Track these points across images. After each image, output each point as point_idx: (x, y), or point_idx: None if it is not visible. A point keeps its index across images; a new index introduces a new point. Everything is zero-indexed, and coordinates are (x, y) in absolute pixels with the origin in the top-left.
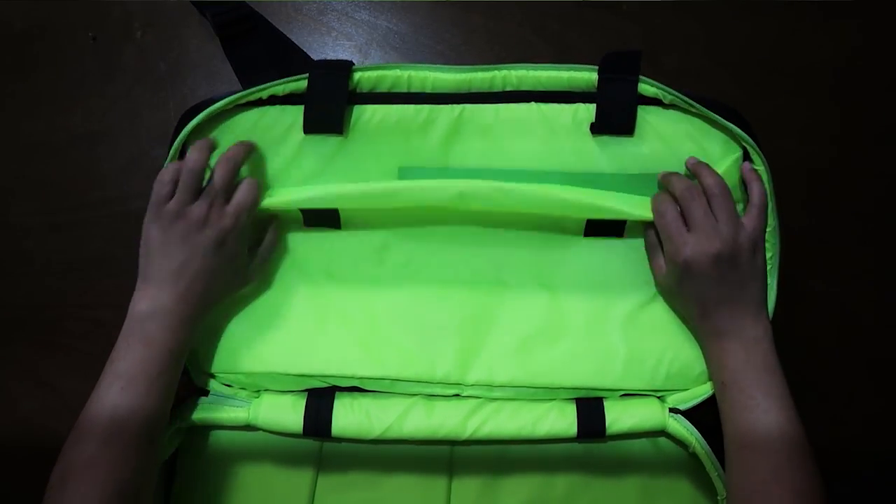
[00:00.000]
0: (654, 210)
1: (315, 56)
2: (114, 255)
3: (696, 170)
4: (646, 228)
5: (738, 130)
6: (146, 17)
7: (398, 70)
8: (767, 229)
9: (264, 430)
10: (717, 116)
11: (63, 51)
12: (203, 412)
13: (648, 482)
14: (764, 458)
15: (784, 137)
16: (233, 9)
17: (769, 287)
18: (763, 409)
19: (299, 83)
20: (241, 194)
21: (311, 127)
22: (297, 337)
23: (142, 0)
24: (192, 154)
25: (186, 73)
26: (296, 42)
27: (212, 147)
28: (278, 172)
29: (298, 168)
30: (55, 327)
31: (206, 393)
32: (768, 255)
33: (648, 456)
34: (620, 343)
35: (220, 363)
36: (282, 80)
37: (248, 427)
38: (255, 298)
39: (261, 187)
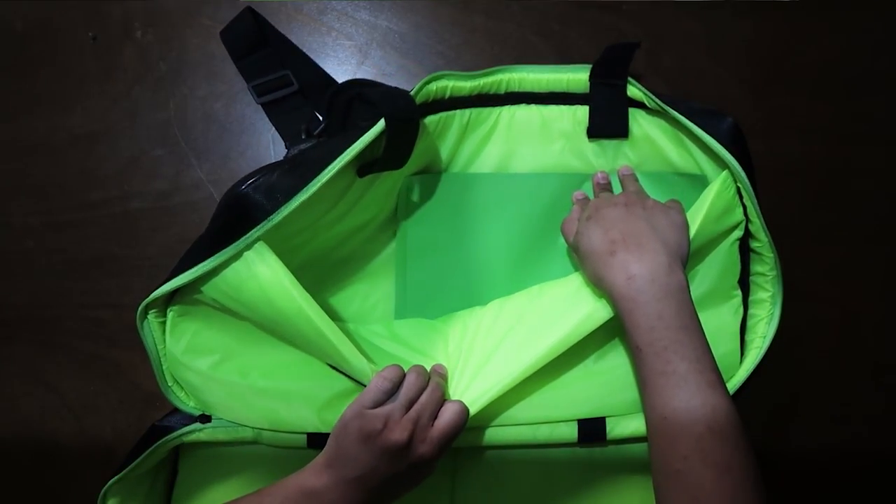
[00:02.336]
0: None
1: (315, 57)
2: (114, 254)
3: (623, 180)
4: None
5: (713, 143)
6: (146, 17)
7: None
8: (760, 244)
9: (268, 444)
10: (692, 126)
11: (63, 51)
12: (205, 435)
13: (650, 482)
14: (683, 431)
15: (784, 137)
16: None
17: (773, 299)
18: (680, 375)
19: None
20: (448, 422)
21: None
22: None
23: (142, 0)
24: (414, 376)
25: (186, 73)
26: (295, 42)
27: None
28: None
29: None
30: (55, 327)
31: (208, 419)
32: (766, 267)
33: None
34: (619, 374)
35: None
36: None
37: (254, 443)
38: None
39: (467, 412)
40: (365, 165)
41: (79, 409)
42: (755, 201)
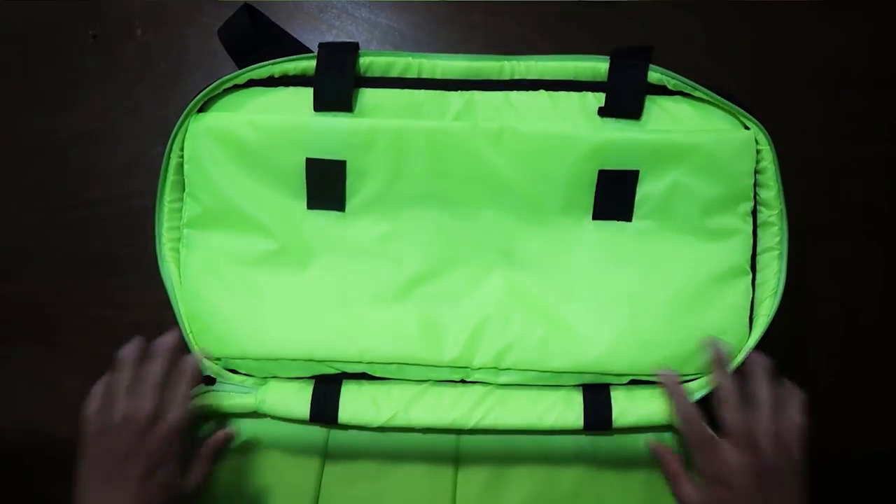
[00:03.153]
0: (680, 417)
1: None
2: (114, 253)
3: (714, 362)
4: (661, 456)
5: (743, 112)
6: (146, 16)
7: (409, 57)
8: (773, 212)
9: (271, 417)
10: (720, 98)
11: (63, 50)
12: (210, 400)
13: (655, 477)
14: None
15: (784, 137)
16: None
17: (778, 273)
18: None
19: (310, 62)
20: (172, 413)
21: (320, 104)
22: (304, 321)
23: (142, 0)
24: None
25: (187, 71)
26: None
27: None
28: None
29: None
30: (55, 326)
31: (212, 381)
32: (775, 239)
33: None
34: (629, 327)
35: (227, 347)
36: (292, 58)
37: (255, 414)
38: (262, 280)
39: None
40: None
41: (79, 409)
42: (777, 164)
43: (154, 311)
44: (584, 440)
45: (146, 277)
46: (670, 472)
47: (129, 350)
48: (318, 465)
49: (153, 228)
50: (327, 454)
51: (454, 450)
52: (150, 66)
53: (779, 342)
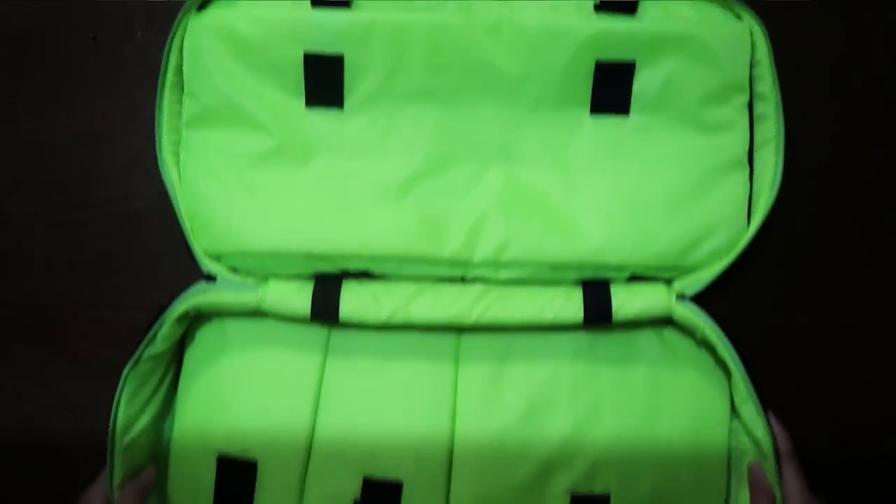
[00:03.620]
0: (788, 453)
1: None
2: (114, 254)
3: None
4: (756, 478)
5: (740, 4)
6: (146, 16)
7: None
8: (769, 105)
9: (271, 314)
10: None
11: (63, 51)
12: (210, 296)
13: (654, 375)
14: None
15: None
16: None
17: (774, 166)
18: None
19: None
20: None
21: None
22: (303, 218)
23: (142, 0)
24: None
25: None
26: None
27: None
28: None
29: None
30: (55, 327)
31: (213, 280)
32: (771, 131)
33: (654, 349)
34: (627, 220)
35: (227, 243)
36: None
37: (256, 313)
38: (261, 178)
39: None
40: None
41: (79, 409)
42: (772, 57)
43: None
44: (584, 339)
45: (146, 279)
46: (762, 491)
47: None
48: (320, 363)
49: (153, 230)
50: (328, 352)
51: (455, 348)
52: (150, 68)
53: (779, 342)
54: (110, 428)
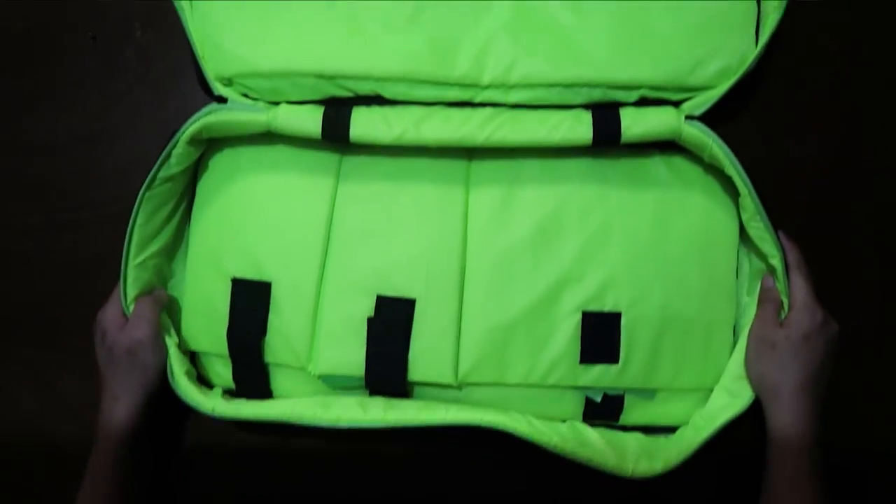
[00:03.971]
0: (796, 262)
1: None
2: (114, 254)
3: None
4: (767, 286)
5: None
6: (146, 16)
7: None
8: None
9: (282, 133)
10: None
11: (63, 50)
12: (221, 115)
13: (663, 197)
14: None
15: (784, 138)
16: None
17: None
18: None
19: None
20: (138, 329)
21: None
22: (314, 40)
23: (142, 0)
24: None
25: (186, 72)
26: None
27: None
28: None
29: None
30: (55, 327)
31: (224, 102)
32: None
33: (663, 175)
34: (637, 37)
35: (237, 64)
36: None
37: (267, 139)
38: (272, 5)
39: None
40: None
41: (79, 409)
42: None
43: None
44: (593, 164)
45: None
46: (768, 294)
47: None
48: (332, 187)
49: None
50: (340, 176)
51: (465, 172)
52: (150, 67)
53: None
54: (125, 245)
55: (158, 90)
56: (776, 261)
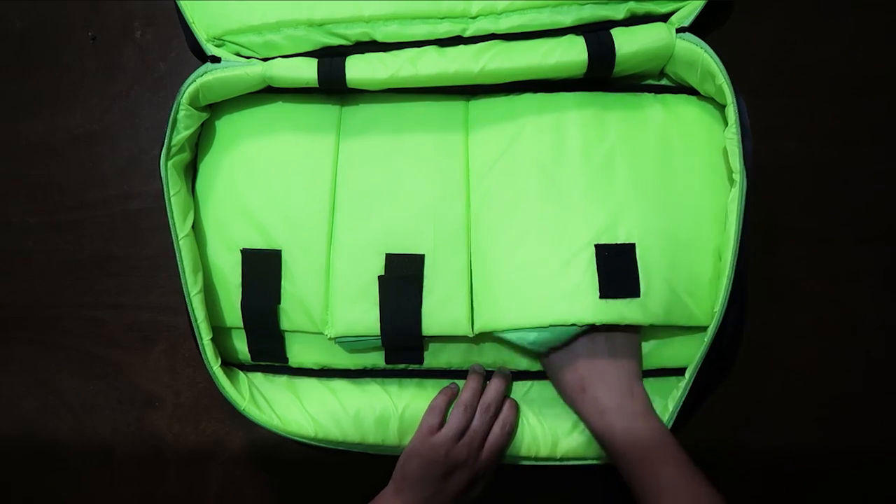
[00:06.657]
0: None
1: None
2: (114, 254)
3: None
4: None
5: None
6: (146, 16)
7: None
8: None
9: (278, 83)
10: None
11: (63, 51)
12: (217, 73)
13: (662, 127)
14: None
15: (784, 137)
16: None
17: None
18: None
19: None
20: (494, 443)
21: None
22: None
23: (141, 0)
24: (467, 389)
25: (186, 72)
26: None
27: (483, 373)
28: None
29: None
30: (55, 327)
31: (217, 61)
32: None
33: (658, 109)
34: None
35: (227, 21)
36: None
37: (264, 101)
38: None
39: (515, 425)
40: None
41: (78, 409)
42: None
43: (152, 313)
44: (591, 97)
45: (144, 279)
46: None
47: (476, 367)
48: (333, 146)
49: (152, 230)
50: (341, 134)
51: (463, 115)
52: (150, 68)
53: (779, 343)
54: (170, 221)
55: (158, 90)
56: (737, 176)
